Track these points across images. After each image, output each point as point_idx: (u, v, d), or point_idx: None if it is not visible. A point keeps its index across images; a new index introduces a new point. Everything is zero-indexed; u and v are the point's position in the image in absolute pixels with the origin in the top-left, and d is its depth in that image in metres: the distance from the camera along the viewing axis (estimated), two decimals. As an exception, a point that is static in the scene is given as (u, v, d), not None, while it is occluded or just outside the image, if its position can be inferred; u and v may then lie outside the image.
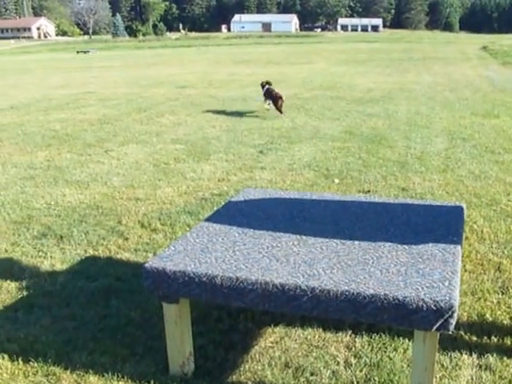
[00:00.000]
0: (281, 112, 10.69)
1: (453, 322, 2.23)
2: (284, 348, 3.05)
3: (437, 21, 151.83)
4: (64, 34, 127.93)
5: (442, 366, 2.87)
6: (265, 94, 11.19)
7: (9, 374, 2.86)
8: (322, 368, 2.87)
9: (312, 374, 2.82)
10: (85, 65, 31.20)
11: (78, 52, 49.27)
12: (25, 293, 3.76)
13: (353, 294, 2.32)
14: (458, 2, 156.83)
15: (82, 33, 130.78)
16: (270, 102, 11.01)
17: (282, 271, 2.51)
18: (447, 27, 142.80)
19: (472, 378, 2.77)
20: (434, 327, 2.25)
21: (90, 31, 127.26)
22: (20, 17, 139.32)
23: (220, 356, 2.98)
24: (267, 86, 11.18)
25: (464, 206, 3.49)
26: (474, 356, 2.94)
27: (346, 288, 2.34)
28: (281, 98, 10.67)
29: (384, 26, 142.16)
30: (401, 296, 2.27)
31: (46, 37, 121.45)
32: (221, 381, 2.78)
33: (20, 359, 2.96)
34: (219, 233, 2.99)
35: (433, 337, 2.35)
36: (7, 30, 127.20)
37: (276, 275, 2.47)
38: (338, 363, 2.91)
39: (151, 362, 2.92)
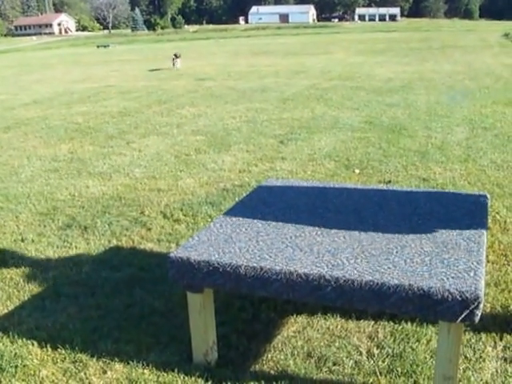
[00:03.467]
0: None
1: (478, 313, 2.22)
2: (306, 338, 3.07)
3: (456, 8, 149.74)
4: (84, 29, 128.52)
5: (466, 357, 2.85)
6: None
7: (38, 360, 2.91)
8: (344, 358, 2.88)
9: (334, 364, 2.83)
10: (105, 59, 31.35)
11: (98, 46, 49.47)
12: (51, 282, 3.82)
13: (377, 284, 2.32)
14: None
15: (101, 28, 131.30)
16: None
17: (306, 261, 2.52)
18: (467, 15, 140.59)
19: (497, 371, 2.75)
20: (459, 318, 2.23)
21: (110, 26, 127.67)
22: (42, 13, 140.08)
23: (243, 345, 3.01)
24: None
25: (487, 195, 3.46)
26: (499, 348, 2.93)
27: (370, 278, 2.35)
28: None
29: (402, 15, 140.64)
30: (426, 286, 2.26)
31: (66, 32, 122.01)
32: (244, 370, 2.80)
33: (48, 346, 3.02)
34: (243, 223, 3.01)
35: (458, 328, 2.34)
36: (29, 27, 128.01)
37: (300, 265, 2.48)
38: (361, 353, 2.92)
39: (175, 351, 2.95)
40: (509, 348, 2.93)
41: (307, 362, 2.86)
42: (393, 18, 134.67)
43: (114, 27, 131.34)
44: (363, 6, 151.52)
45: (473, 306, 2.20)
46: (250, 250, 2.67)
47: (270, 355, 2.92)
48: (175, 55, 21.89)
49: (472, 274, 2.33)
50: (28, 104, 12.98)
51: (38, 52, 48.52)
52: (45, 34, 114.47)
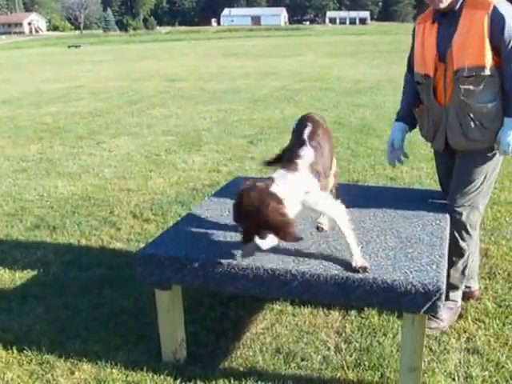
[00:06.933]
0: None
1: (440, 304, 2.28)
2: (275, 334, 3.10)
3: (423, 13, 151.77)
4: (55, 29, 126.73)
5: (431, 350, 2.92)
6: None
7: (3, 363, 2.89)
8: (312, 353, 2.91)
9: (303, 360, 2.87)
10: (76, 59, 31.04)
11: (69, 46, 48.86)
12: (18, 283, 3.79)
13: (342, 278, 2.36)
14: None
15: (73, 28, 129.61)
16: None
17: (273, 256, 2.54)
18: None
19: (460, 362, 2.82)
20: (422, 310, 2.29)
21: (81, 26, 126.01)
22: (11, 12, 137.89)
23: (212, 343, 3.03)
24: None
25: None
26: (462, 340, 3.01)
27: (336, 272, 2.38)
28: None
29: (372, 19, 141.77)
30: (389, 279, 2.31)
31: (37, 32, 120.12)
32: (213, 367, 2.82)
33: (14, 348, 2.99)
34: (210, 220, 3.03)
35: (421, 319, 2.39)
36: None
37: (267, 260, 2.51)
38: (329, 348, 2.96)
39: (144, 350, 2.96)
40: (472, 339, 3.00)
41: (276, 357, 2.89)
42: (363, 21, 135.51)
43: (86, 27, 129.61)
44: (334, 10, 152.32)
45: (435, 298, 2.25)
46: (217, 246, 2.69)
47: (238, 352, 2.95)
48: None
49: (434, 267, 2.39)
50: (-4, 104, 12.82)
51: (8, 51, 47.72)
52: (14, 33, 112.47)
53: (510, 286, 3.55)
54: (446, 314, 3.12)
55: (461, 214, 2.99)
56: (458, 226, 3.02)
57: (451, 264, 3.07)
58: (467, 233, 3.04)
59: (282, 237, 2.33)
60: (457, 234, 3.02)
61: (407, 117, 3.25)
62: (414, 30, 3.17)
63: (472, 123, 2.84)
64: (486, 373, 2.73)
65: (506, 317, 3.20)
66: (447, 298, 3.15)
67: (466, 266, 3.15)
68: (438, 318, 3.08)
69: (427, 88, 2.98)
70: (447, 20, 2.84)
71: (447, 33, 2.83)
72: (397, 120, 3.31)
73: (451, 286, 3.14)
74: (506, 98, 2.79)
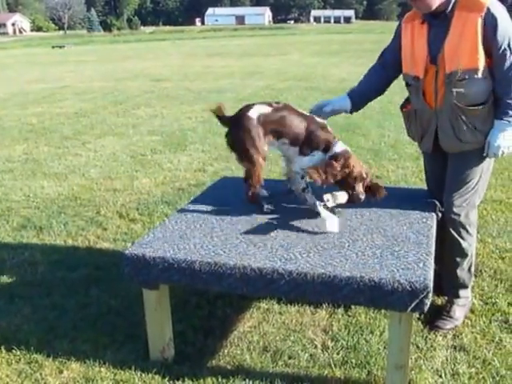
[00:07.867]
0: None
1: (427, 302, 2.29)
2: (262, 332, 3.11)
3: (408, 11, 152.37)
4: (39, 29, 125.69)
5: (418, 347, 2.95)
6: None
7: (-9, 363, 2.88)
8: (299, 351, 2.93)
9: (290, 358, 2.89)
10: (60, 59, 30.84)
11: (53, 47, 48.51)
12: (6, 283, 3.78)
13: (329, 276, 2.37)
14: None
15: (56, 28, 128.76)
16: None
17: (260, 255, 2.56)
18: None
19: (447, 359, 2.85)
20: (409, 308, 2.31)
21: (65, 26, 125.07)
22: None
23: (199, 341, 3.04)
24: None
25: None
26: (449, 337, 3.04)
27: (323, 271, 2.40)
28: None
29: (356, 18, 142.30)
30: (376, 278, 2.33)
31: (21, 32, 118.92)
32: (200, 365, 2.83)
33: (2, 348, 2.99)
34: (197, 219, 3.03)
35: (408, 318, 2.42)
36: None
37: (254, 259, 2.52)
38: (316, 347, 2.98)
39: (132, 349, 2.97)
40: (458, 336, 3.04)
41: (263, 356, 2.91)
42: (347, 20, 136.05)
43: (70, 28, 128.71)
44: (318, 8, 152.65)
45: (422, 296, 2.27)
46: (204, 245, 2.70)
47: (226, 350, 2.96)
48: None
49: (421, 265, 2.41)
50: (-19, 105, 12.72)
51: (-9, 53, 47.48)
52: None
53: (496, 283, 3.60)
54: (460, 312, 3.17)
55: (459, 215, 3.00)
56: (458, 227, 3.03)
57: (456, 265, 3.11)
58: (467, 232, 3.06)
59: None
60: (457, 236, 3.04)
61: (354, 99, 3.39)
62: (399, 27, 3.15)
63: (464, 125, 2.85)
64: (473, 370, 2.76)
65: (493, 314, 3.24)
66: (458, 297, 3.19)
67: (472, 263, 3.18)
68: (452, 318, 3.12)
69: (416, 90, 2.98)
70: (439, 21, 2.82)
71: (439, 35, 2.81)
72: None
73: (460, 286, 3.18)
74: (497, 101, 2.81)
